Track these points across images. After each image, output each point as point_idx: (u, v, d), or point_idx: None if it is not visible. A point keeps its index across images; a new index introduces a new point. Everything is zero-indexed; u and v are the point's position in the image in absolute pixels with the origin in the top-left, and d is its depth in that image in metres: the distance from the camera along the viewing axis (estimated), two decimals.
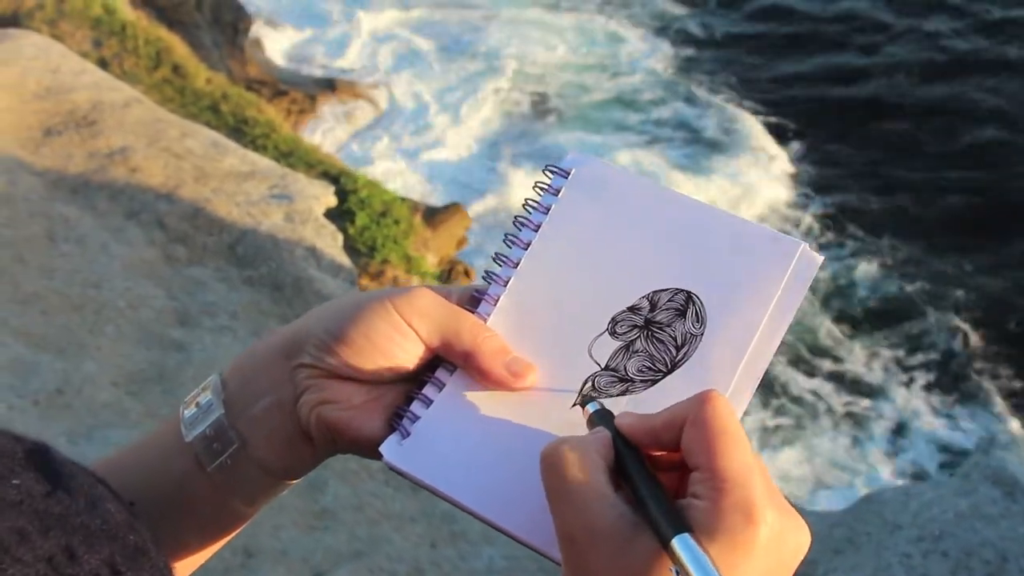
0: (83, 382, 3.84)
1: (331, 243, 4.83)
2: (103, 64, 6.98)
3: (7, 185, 4.62)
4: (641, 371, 0.78)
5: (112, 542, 0.61)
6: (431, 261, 7.62)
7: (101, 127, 5.14)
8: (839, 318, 11.53)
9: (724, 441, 0.63)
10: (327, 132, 12.65)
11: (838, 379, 10.78)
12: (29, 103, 5.25)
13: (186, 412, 0.82)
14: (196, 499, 0.81)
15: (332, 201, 5.18)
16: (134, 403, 3.84)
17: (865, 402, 10.50)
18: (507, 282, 0.83)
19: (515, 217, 0.86)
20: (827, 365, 10.92)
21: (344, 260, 4.86)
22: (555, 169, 0.87)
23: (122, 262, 4.41)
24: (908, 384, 10.65)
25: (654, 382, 0.78)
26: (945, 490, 3.40)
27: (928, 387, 10.60)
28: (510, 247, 0.85)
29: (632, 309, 0.80)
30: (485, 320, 0.82)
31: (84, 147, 5.01)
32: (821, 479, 9.69)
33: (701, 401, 0.66)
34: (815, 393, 10.61)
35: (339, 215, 5.94)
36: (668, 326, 0.79)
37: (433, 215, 9.86)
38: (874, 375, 10.80)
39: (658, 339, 0.79)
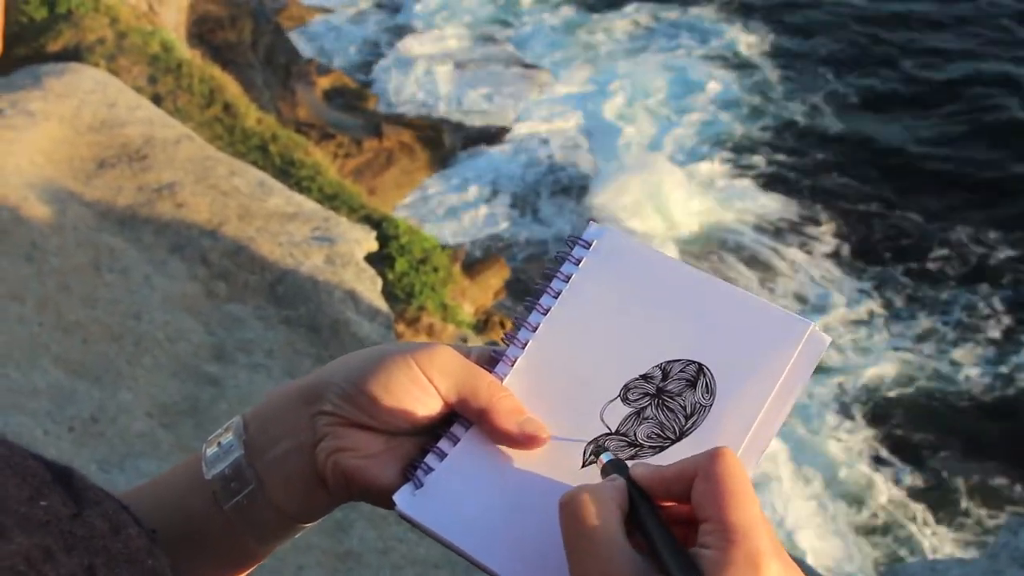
0: (118, 411, 3.89)
1: (370, 287, 4.88)
2: (157, 100, 7.12)
3: (58, 214, 4.72)
4: (650, 437, 0.81)
5: (131, 565, 0.64)
6: (468, 310, 7.66)
7: (152, 162, 5.25)
8: (874, 386, 11.43)
9: (734, 495, 0.66)
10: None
11: (868, 448, 10.67)
12: (84, 135, 5.37)
13: (208, 451, 0.84)
14: (212, 535, 0.83)
15: (373, 245, 5.24)
16: (166, 435, 3.89)
17: (893, 474, 10.38)
18: (525, 345, 0.86)
19: (536, 283, 0.89)
20: (860, 433, 10.82)
21: (382, 305, 4.90)
22: (577, 239, 0.90)
23: (163, 295, 4.48)
24: (939, 459, 10.52)
25: (662, 449, 0.80)
26: (972, 568, 3.37)
27: (959, 463, 10.46)
28: (530, 312, 0.88)
29: (645, 377, 0.83)
30: (502, 380, 0.84)
31: (134, 180, 5.11)
32: (846, 550, 9.56)
33: (712, 456, 0.68)
34: (843, 461, 10.50)
35: (379, 260, 6.00)
36: (678, 395, 0.82)
37: (472, 264, 9.92)
38: (904, 448, 10.68)
39: (668, 408, 0.82)
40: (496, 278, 9.89)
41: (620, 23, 18.05)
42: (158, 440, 3.84)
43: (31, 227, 4.58)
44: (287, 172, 7.07)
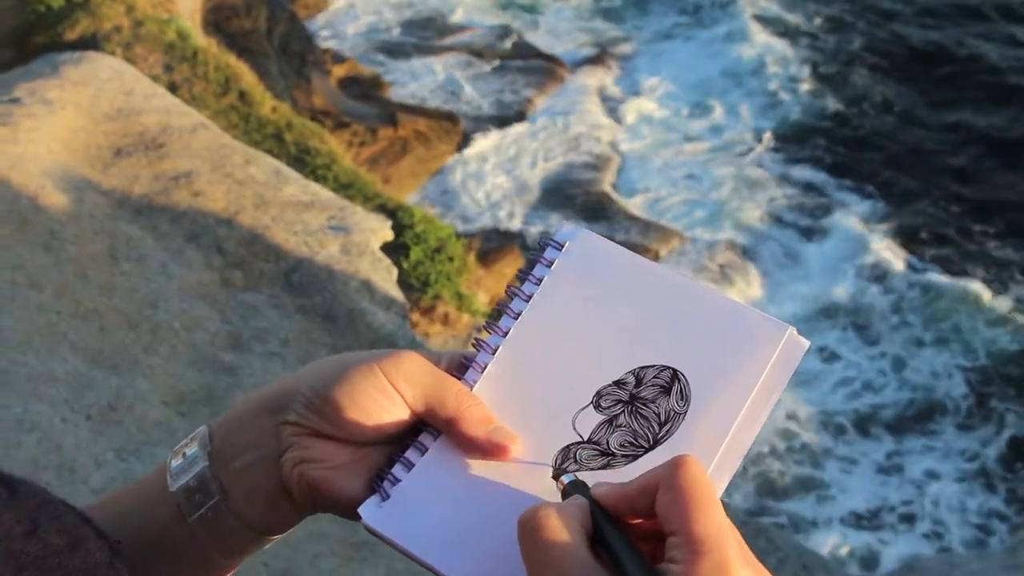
0: (135, 399, 3.91)
1: (386, 276, 4.88)
2: (173, 88, 7.14)
3: (75, 202, 4.74)
4: (623, 446, 0.78)
5: None
6: (483, 299, 7.66)
7: (168, 150, 5.26)
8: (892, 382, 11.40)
9: (698, 505, 0.65)
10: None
11: (888, 442, 10.64)
12: (101, 124, 5.38)
13: (173, 462, 0.83)
14: (176, 548, 0.82)
15: (389, 235, 5.24)
16: (182, 423, 3.90)
17: (912, 468, 10.35)
18: (495, 351, 0.84)
19: (507, 286, 0.86)
20: (875, 432, 10.79)
21: (397, 294, 4.91)
22: (549, 241, 0.88)
23: (180, 283, 4.49)
24: (961, 453, 10.48)
25: (635, 457, 0.78)
26: (991, 562, 3.34)
27: (981, 457, 10.41)
28: (500, 316, 0.85)
29: (618, 384, 0.81)
30: (471, 387, 0.82)
31: (151, 169, 5.12)
32: (865, 544, 9.54)
33: (674, 466, 0.67)
34: (864, 456, 10.48)
35: (394, 249, 6.00)
36: (652, 402, 0.79)
37: (488, 253, 9.93)
38: (923, 441, 10.64)
39: (642, 415, 0.79)
40: (511, 267, 9.89)
41: (640, 15, 18.00)
42: (174, 428, 3.86)
43: (49, 215, 4.60)
44: (302, 160, 7.08)
